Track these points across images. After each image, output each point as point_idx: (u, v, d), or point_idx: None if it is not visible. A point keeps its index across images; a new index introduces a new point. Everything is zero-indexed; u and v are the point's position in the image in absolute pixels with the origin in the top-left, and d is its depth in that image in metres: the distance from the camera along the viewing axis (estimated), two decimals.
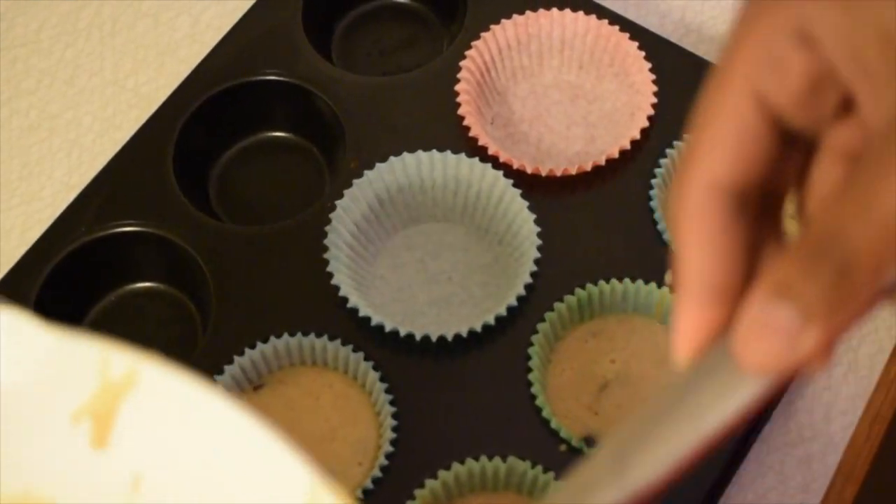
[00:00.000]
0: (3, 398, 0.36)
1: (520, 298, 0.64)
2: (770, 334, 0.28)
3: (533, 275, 0.64)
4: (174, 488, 0.37)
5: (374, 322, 0.63)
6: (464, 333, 0.63)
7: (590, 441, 0.62)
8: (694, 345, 0.31)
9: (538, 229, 0.65)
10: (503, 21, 0.71)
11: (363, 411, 0.63)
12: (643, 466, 0.31)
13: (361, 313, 0.63)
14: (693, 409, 0.31)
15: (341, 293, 0.64)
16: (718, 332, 0.30)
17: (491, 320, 0.63)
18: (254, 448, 0.35)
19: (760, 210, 0.31)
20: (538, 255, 0.64)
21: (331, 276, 0.64)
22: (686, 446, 0.31)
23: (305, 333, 0.63)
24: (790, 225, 0.32)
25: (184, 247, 0.66)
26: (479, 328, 0.63)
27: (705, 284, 0.31)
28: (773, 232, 0.32)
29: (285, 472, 0.34)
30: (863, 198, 0.28)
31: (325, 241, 0.65)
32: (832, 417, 0.65)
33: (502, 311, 0.63)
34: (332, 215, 0.65)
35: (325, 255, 0.65)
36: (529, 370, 0.62)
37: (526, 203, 0.66)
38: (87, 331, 0.36)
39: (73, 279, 0.66)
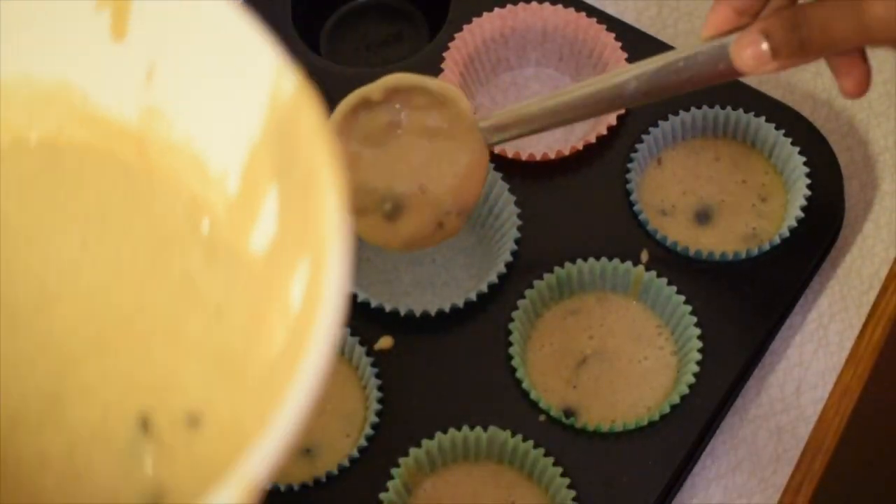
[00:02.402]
0: None
1: (501, 276, 0.66)
2: (751, 53, 0.54)
3: (514, 254, 0.67)
4: (179, 78, 0.42)
5: (360, 299, 0.66)
6: (447, 310, 0.65)
7: (569, 413, 0.64)
8: (715, 28, 0.56)
9: (518, 210, 0.68)
10: (485, 14, 0.74)
11: (350, 385, 0.65)
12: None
13: (351, 292, 0.66)
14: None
15: None
16: (727, 30, 0.56)
17: (473, 297, 0.66)
18: (232, 33, 0.40)
19: None
20: (518, 234, 0.67)
21: None
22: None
23: None
24: None
25: None
26: (461, 304, 0.65)
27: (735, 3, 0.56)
28: None
29: (256, 52, 0.41)
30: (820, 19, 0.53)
31: None
32: (803, 391, 0.67)
33: (484, 288, 0.66)
34: None
35: None
36: (510, 345, 0.65)
37: (507, 186, 0.68)
38: None
39: None
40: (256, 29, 0.40)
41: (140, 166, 0.44)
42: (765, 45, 0.54)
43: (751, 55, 0.54)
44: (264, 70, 0.40)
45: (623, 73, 0.60)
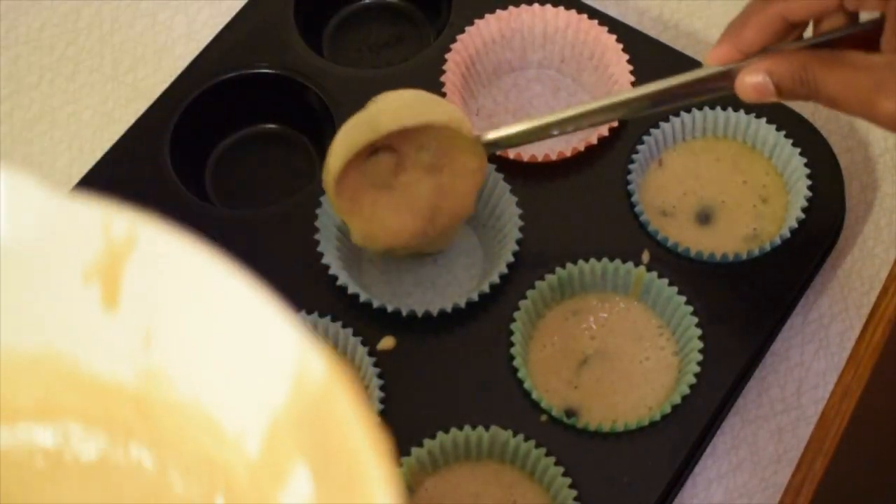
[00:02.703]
0: (11, 256, 0.38)
1: (502, 277, 0.66)
2: (755, 83, 0.57)
3: (515, 254, 0.67)
4: (182, 342, 0.38)
5: (362, 299, 0.66)
6: (448, 310, 0.66)
7: (570, 413, 0.64)
8: (717, 63, 0.59)
9: (520, 211, 0.68)
10: (487, 16, 0.74)
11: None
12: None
13: (350, 291, 0.66)
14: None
15: (331, 271, 0.66)
16: (728, 62, 0.58)
17: (475, 297, 0.66)
18: (246, 307, 0.37)
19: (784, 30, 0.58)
20: (520, 235, 0.67)
21: (320, 256, 0.67)
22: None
23: (296, 310, 0.66)
24: None
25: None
26: (463, 305, 0.66)
27: (741, 41, 0.58)
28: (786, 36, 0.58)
29: (276, 332, 0.37)
30: (813, 81, 0.56)
31: (316, 224, 0.68)
32: (803, 392, 0.68)
33: (486, 288, 0.66)
34: (322, 199, 0.68)
35: (316, 237, 0.67)
36: (512, 345, 0.65)
37: (508, 187, 0.68)
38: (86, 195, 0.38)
39: None
40: (273, 307, 0.37)
41: (142, 431, 0.41)
42: (770, 85, 0.57)
43: (753, 89, 0.57)
44: (285, 351, 0.37)
45: (626, 93, 0.62)
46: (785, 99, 0.57)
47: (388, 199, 0.65)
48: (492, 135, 0.64)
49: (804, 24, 0.58)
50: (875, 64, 0.55)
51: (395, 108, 0.63)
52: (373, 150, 0.63)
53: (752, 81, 0.57)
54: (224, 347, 0.38)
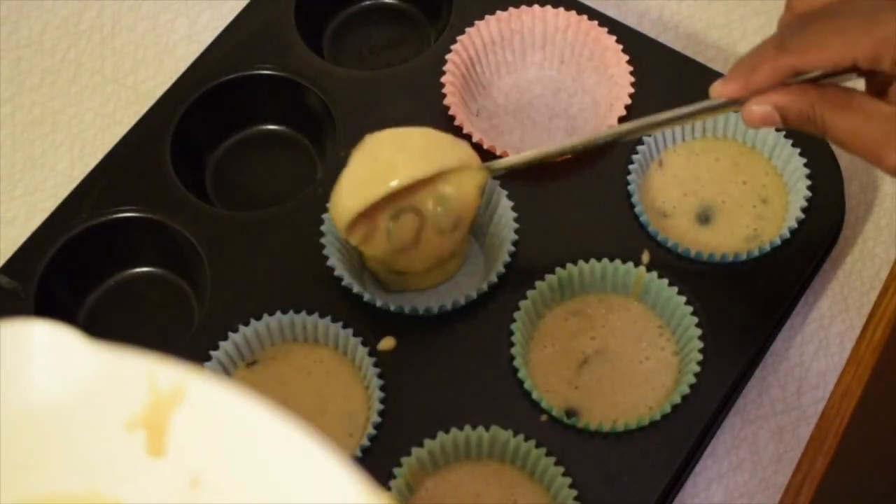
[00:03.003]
0: (55, 407, 0.38)
1: (500, 277, 0.66)
2: (762, 113, 0.57)
3: (514, 255, 0.67)
4: (232, 487, 0.39)
5: (365, 299, 0.66)
6: (449, 307, 0.66)
7: (570, 413, 0.64)
8: (722, 97, 0.58)
9: (515, 215, 0.68)
10: (487, 17, 0.74)
11: (353, 385, 0.65)
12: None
13: (354, 290, 0.66)
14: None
15: (336, 273, 0.66)
16: (735, 98, 0.58)
17: (474, 295, 0.66)
18: (301, 456, 0.37)
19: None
20: (515, 237, 0.67)
21: (321, 257, 0.67)
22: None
23: (297, 311, 0.66)
24: None
25: (180, 231, 0.69)
26: (462, 302, 0.66)
27: (751, 84, 0.57)
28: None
29: (334, 482, 0.37)
30: (821, 121, 0.56)
31: (322, 228, 0.68)
32: (804, 392, 0.68)
33: (484, 287, 0.66)
34: (327, 204, 0.68)
35: (322, 241, 0.67)
36: (512, 345, 0.65)
37: (505, 192, 0.69)
38: (130, 345, 0.38)
39: (75, 263, 0.69)
40: (330, 454, 0.37)
41: None
42: (777, 116, 0.57)
43: (760, 118, 0.57)
44: (346, 498, 0.37)
45: (636, 122, 0.63)
46: (789, 129, 0.58)
47: (408, 254, 0.66)
48: (500, 164, 0.65)
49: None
50: (885, 115, 0.55)
51: (406, 158, 0.63)
52: (395, 210, 0.64)
53: (760, 111, 0.57)
54: (277, 492, 0.38)
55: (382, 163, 0.63)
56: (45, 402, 0.39)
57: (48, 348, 0.38)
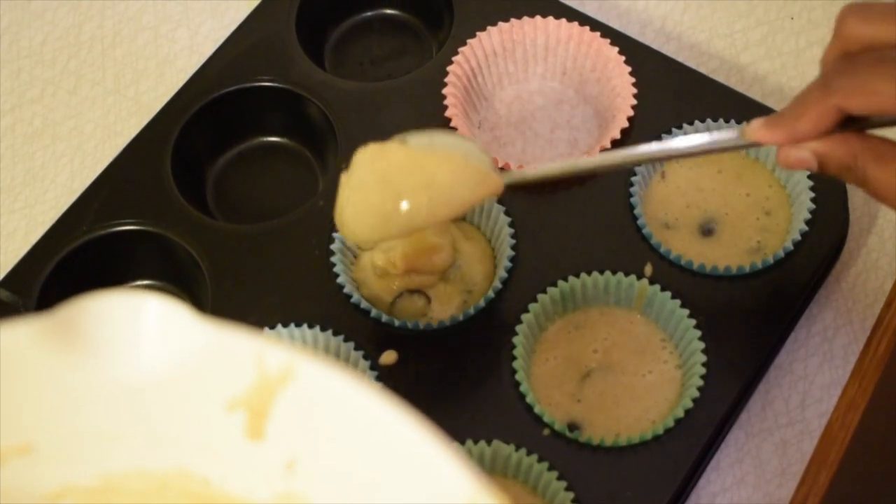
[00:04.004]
0: (158, 381, 0.38)
1: (499, 292, 0.66)
2: (799, 157, 0.55)
3: (514, 269, 0.67)
4: (329, 474, 0.38)
5: (372, 314, 0.66)
6: (448, 323, 0.65)
7: (573, 426, 0.64)
8: (767, 140, 0.56)
9: (512, 231, 0.68)
10: (489, 28, 0.74)
11: None
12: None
13: (362, 305, 0.66)
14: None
15: (344, 288, 0.66)
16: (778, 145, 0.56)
17: (471, 311, 0.66)
18: (410, 448, 0.36)
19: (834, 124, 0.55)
20: (512, 253, 0.67)
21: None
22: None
23: (298, 324, 0.66)
24: None
25: (181, 244, 0.69)
26: (461, 318, 0.66)
27: (796, 132, 0.55)
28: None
29: (443, 474, 0.36)
30: (862, 173, 0.54)
31: (332, 247, 0.68)
32: (807, 405, 0.67)
33: (482, 303, 0.66)
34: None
35: (332, 259, 0.67)
36: (514, 359, 0.65)
37: (503, 209, 0.68)
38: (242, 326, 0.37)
39: (75, 276, 0.69)
40: (441, 447, 0.36)
41: None
42: (814, 162, 0.55)
43: (797, 161, 0.56)
44: (455, 491, 0.36)
45: (649, 148, 0.60)
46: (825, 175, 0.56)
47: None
48: (516, 177, 0.61)
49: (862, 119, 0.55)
50: None
51: (429, 198, 0.57)
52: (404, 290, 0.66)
53: (798, 156, 0.55)
54: (379, 484, 0.37)
55: (398, 195, 0.58)
56: (148, 376, 0.38)
57: (159, 322, 0.37)
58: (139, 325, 0.37)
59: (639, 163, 0.63)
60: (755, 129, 0.56)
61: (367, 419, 0.37)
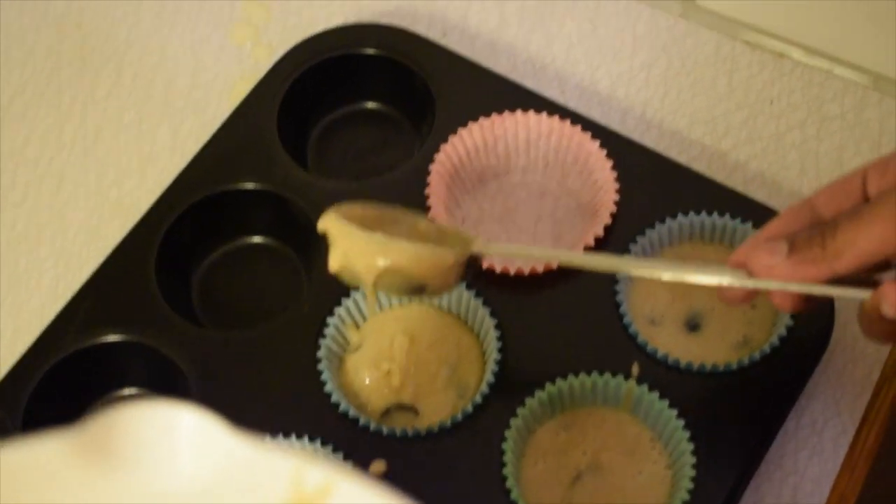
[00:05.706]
0: (192, 497, 0.37)
1: (486, 396, 0.66)
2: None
3: (501, 372, 0.67)
4: None
5: (361, 423, 0.66)
6: (435, 429, 0.65)
7: None
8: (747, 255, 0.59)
9: (498, 333, 0.68)
10: (470, 124, 0.74)
11: None
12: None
13: (351, 414, 0.66)
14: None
15: (333, 399, 0.66)
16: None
17: (459, 417, 0.66)
18: None
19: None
20: (499, 356, 0.67)
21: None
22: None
23: (286, 434, 0.65)
24: None
25: (166, 355, 0.68)
26: (449, 424, 0.65)
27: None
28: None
29: None
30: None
31: (318, 354, 0.68)
32: (799, 500, 0.67)
33: (469, 408, 0.66)
34: (326, 331, 0.69)
35: (319, 367, 0.67)
36: (504, 465, 0.65)
37: (489, 310, 0.68)
38: (276, 442, 0.36)
39: (61, 389, 0.69)
40: None
41: None
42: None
43: (791, 308, 0.60)
44: None
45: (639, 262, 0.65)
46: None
47: None
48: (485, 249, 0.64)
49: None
50: None
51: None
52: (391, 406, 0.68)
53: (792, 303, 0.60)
54: None
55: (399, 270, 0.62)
56: (183, 492, 0.37)
57: (194, 436, 0.37)
58: (174, 439, 0.37)
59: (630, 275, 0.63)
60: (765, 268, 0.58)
61: None
